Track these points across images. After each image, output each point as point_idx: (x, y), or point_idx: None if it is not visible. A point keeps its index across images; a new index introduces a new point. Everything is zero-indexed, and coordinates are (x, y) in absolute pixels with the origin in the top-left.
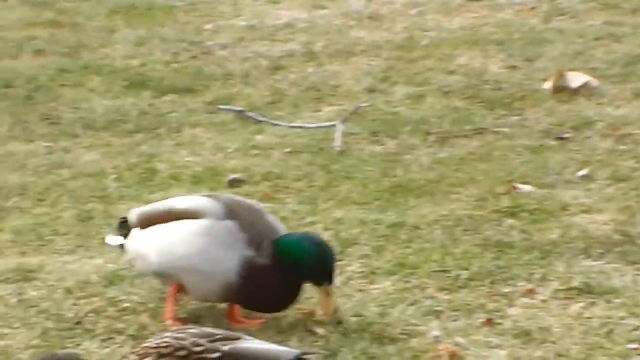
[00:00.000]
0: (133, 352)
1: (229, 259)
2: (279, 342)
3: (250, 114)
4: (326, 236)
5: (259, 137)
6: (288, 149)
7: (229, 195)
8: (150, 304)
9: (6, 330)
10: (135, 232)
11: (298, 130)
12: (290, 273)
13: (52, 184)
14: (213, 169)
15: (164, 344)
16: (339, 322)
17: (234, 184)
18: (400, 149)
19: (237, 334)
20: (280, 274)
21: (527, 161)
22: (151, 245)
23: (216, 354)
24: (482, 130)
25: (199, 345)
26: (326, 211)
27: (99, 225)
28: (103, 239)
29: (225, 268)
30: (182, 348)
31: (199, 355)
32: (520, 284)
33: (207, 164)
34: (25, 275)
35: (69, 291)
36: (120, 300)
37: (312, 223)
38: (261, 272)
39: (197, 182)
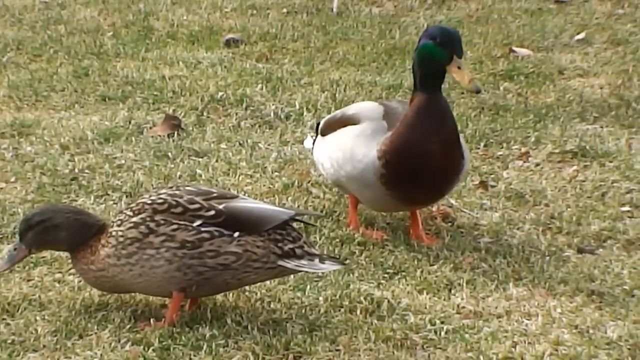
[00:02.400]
0: (128, 208)
1: (370, 153)
2: (275, 203)
3: None
4: (322, 97)
5: None
6: (285, 10)
7: (397, 100)
8: (145, 162)
9: (2, 185)
10: (318, 139)
11: None
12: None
13: (48, 39)
14: (210, 28)
15: (160, 201)
16: (477, 92)
17: (230, 44)
18: (398, 11)
19: (234, 194)
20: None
21: (525, 24)
22: (322, 154)
23: (211, 212)
24: None
25: (194, 202)
26: (323, 72)
27: (95, 82)
28: (99, 95)
29: (367, 161)
30: (178, 205)
31: (195, 213)
32: (514, 147)
33: (204, 23)
34: (21, 131)
35: (64, 147)
36: (115, 157)
37: (309, 84)
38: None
39: (193, 41)
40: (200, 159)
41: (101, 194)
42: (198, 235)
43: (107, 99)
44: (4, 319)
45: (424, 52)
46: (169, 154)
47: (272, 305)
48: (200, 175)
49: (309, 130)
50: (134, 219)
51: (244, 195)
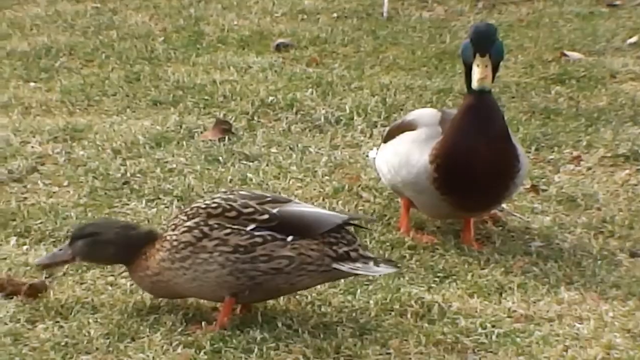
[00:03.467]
0: (183, 213)
1: (423, 158)
2: (326, 207)
3: None
4: (372, 102)
5: (306, 2)
6: (335, 14)
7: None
8: (196, 166)
9: (55, 189)
10: (380, 146)
11: None
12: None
13: (100, 44)
14: (260, 33)
15: (214, 205)
16: (482, 91)
17: (280, 48)
18: (448, 15)
19: (288, 198)
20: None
21: (577, 28)
22: (381, 160)
23: (265, 216)
24: None
25: (248, 206)
26: (373, 76)
27: (146, 87)
28: (151, 100)
29: (420, 165)
30: (232, 209)
31: (248, 217)
32: (566, 151)
33: (254, 28)
34: (74, 135)
35: (116, 151)
36: (166, 162)
37: (359, 88)
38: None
39: (244, 46)
40: (250, 163)
41: (152, 198)
42: (251, 239)
43: (158, 104)
44: (57, 321)
45: (460, 51)
46: (220, 158)
47: (322, 309)
48: (251, 180)
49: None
50: (188, 223)
51: (296, 199)
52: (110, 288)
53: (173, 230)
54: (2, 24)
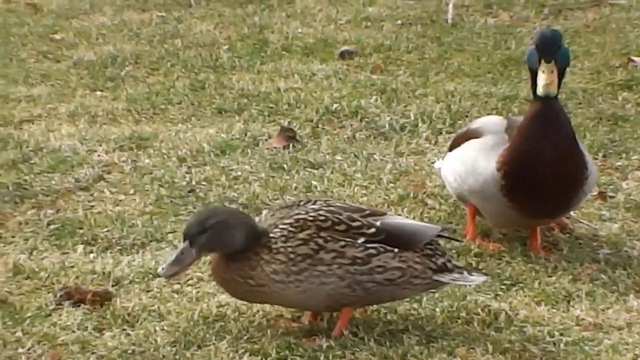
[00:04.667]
0: (285, 222)
1: (490, 165)
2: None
3: None
4: (437, 109)
5: (370, 9)
6: (400, 21)
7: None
8: (261, 174)
9: (121, 197)
10: (446, 155)
11: (410, 1)
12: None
13: (165, 53)
14: (325, 41)
15: (322, 218)
16: (547, 96)
17: (345, 55)
18: (513, 22)
19: (382, 210)
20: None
21: None
22: (447, 168)
23: (372, 229)
24: (598, 2)
25: (354, 220)
26: (438, 83)
27: (211, 95)
28: (215, 108)
29: (487, 173)
30: (341, 222)
31: (357, 230)
32: (634, 157)
33: (318, 36)
34: (140, 144)
35: (182, 159)
36: (232, 169)
37: (424, 95)
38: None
39: (308, 53)
40: (315, 171)
41: (218, 205)
42: (366, 251)
43: (223, 112)
44: (124, 329)
45: (526, 57)
46: (285, 165)
47: (388, 317)
48: (316, 187)
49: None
50: (301, 235)
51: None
52: (176, 296)
53: (284, 242)
54: (69, 33)
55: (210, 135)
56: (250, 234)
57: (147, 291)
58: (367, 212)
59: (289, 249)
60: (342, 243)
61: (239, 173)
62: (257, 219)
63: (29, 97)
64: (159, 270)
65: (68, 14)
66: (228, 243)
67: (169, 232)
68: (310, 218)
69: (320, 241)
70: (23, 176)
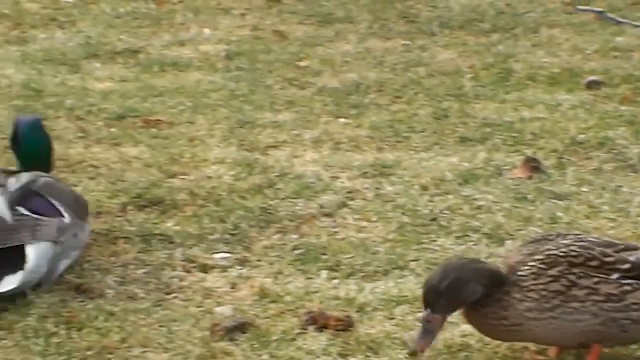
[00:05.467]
0: (535, 259)
1: None
2: None
3: (611, 15)
4: None
5: (619, 39)
6: None
7: None
8: (504, 204)
9: (364, 224)
10: None
11: None
12: None
13: (409, 81)
14: (571, 71)
15: (574, 254)
16: None
17: (592, 86)
18: None
19: (635, 244)
20: None
21: None
22: None
23: (627, 265)
24: None
25: (607, 255)
26: None
27: (454, 124)
28: (459, 137)
29: None
30: (593, 258)
31: (611, 266)
32: None
33: (564, 65)
34: (383, 171)
35: (424, 188)
36: (475, 199)
37: None
38: None
39: (553, 83)
40: (560, 202)
41: (461, 235)
42: (621, 288)
43: (466, 141)
44: (368, 356)
45: None
46: (529, 196)
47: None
48: (561, 219)
49: None
50: (551, 272)
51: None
52: (419, 324)
53: (535, 280)
54: (315, 61)
55: (453, 164)
56: (490, 281)
57: (391, 319)
58: (621, 247)
59: (541, 287)
60: (596, 280)
61: (482, 203)
62: (502, 252)
63: (274, 123)
64: (413, 346)
65: (313, 42)
66: (468, 297)
67: (412, 261)
68: (562, 254)
69: (573, 278)
70: (269, 201)
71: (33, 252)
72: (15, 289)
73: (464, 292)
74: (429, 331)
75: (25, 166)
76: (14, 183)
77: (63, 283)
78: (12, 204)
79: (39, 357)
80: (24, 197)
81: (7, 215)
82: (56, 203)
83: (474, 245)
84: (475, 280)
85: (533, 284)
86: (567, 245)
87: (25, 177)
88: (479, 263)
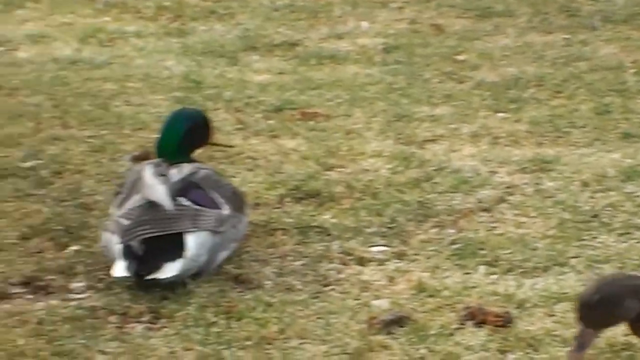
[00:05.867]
0: None
1: None
2: None
3: None
4: None
5: None
6: None
7: None
8: None
9: (523, 219)
10: None
11: None
12: None
13: (569, 76)
14: None
15: None
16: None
17: None
18: None
19: None
20: None
21: None
22: None
23: None
24: None
25: None
26: None
27: (616, 120)
28: (621, 133)
29: None
30: None
31: None
32: None
33: None
34: (542, 166)
35: (585, 184)
36: (637, 196)
37: None
38: None
39: None
40: None
41: (623, 232)
42: None
43: (629, 137)
44: (527, 352)
45: None
46: None
47: None
48: None
49: None
50: None
51: None
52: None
53: None
54: (472, 55)
55: (615, 160)
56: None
57: (550, 315)
58: None
59: None
60: None
61: None
62: None
63: (432, 116)
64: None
65: (471, 36)
66: (622, 314)
67: (572, 257)
68: None
69: None
70: (425, 195)
71: (193, 241)
72: (175, 276)
73: (617, 307)
74: (582, 345)
75: (173, 158)
76: (175, 174)
77: (222, 273)
78: (174, 194)
79: (199, 345)
80: (184, 188)
81: (168, 204)
82: (215, 195)
83: (636, 242)
84: (630, 296)
85: None
86: None
87: (186, 168)
88: (635, 279)
